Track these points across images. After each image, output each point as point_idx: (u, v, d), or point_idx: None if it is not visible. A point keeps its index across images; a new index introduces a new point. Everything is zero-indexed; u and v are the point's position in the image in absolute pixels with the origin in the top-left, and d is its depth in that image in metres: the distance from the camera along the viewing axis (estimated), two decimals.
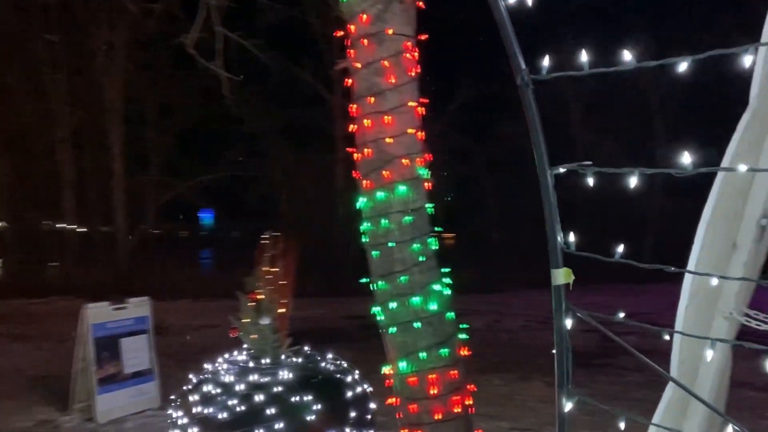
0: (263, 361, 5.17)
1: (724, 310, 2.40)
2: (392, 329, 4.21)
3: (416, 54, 4.27)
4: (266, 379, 4.87)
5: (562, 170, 2.01)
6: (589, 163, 1.96)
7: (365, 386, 5.20)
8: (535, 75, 1.94)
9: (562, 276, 2.02)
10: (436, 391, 4.15)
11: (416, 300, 4.15)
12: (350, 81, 4.31)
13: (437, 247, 4.32)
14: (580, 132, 28.76)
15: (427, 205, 4.28)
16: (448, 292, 4.30)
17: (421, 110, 4.27)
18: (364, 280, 4.38)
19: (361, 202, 4.30)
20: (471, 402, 4.32)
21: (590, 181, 1.93)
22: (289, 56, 21.08)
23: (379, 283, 4.24)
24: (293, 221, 21.55)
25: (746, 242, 2.37)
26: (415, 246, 4.18)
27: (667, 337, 2.17)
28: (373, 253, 4.26)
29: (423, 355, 4.14)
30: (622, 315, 1.96)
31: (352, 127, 4.33)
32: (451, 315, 4.28)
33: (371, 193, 4.21)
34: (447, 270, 4.36)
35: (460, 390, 4.24)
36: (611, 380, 9.10)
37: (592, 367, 9.89)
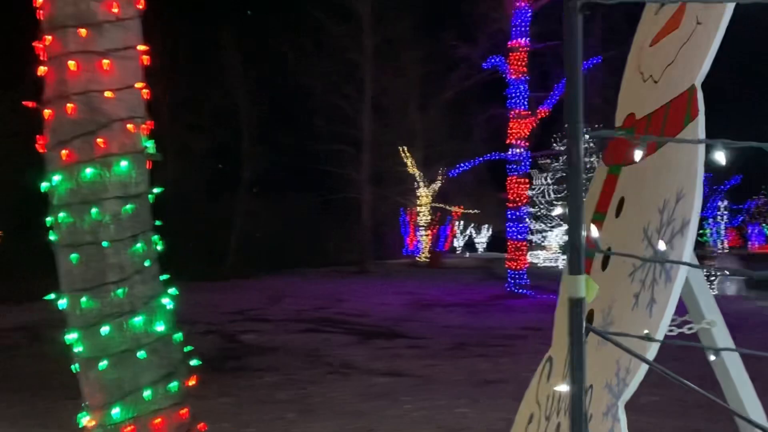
0: None
1: None
2: (102, 364, 2.96)
3: None
4: None
5: (587, 136, 1.46)
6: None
7: None
8: None
9: (582, 286, 1.44)
10: None
11: (138, 321, 3.00)
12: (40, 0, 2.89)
13: (161, 248, 3.21)
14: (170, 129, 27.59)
15: (151, 191, 3.14)
16: (172, 306, 3.25)
17: (146, 60, 3.11)
18: (49, 296, 3.00)
19: (53, 181, 2.92)
20: None
21: (638, 154, 1.42)
22: None
23: (82, 299, 2.94)
24: None
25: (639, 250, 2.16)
26: (138, 246, 3.02)
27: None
28: (72, 256, 2.93)
29: (147, 394, 3.02)
30: (645, 331, 1.51)
31: (41, 70, 2.90)
32: (178, 336, 3.24)
33: (73, 170, 2.88)
34: (167, 276, 3.29)
35: None
36: (251, 384, 8.65)
37: (228, 372, 9.30)
